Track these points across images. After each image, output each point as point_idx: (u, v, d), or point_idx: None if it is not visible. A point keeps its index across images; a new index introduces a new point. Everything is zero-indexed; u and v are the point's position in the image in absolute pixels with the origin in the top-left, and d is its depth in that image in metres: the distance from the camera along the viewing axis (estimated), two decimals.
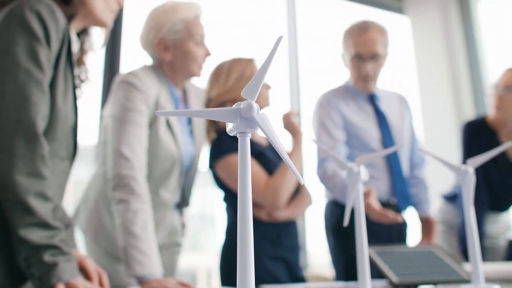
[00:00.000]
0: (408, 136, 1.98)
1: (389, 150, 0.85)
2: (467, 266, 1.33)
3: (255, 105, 0.48)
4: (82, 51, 1.19)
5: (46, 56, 0.97)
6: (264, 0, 3.82)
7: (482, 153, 0.93)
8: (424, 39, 3.71)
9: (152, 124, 1.42)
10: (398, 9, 3.87)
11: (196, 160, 1.58)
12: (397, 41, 1.90)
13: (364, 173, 0.79)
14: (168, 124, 1.46)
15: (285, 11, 3.33)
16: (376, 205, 1.59)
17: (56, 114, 0.99)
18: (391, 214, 1.56)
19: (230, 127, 0.49)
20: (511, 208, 2.23)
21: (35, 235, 0.89)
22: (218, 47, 1.63)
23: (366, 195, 1.60)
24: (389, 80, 2.07)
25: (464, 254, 2.00)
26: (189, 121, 1.57)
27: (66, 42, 1.02)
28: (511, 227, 2.25)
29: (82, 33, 1.20)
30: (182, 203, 1.58)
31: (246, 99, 0.48)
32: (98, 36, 1.23)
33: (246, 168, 0.49)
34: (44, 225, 0.90)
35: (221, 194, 1.66)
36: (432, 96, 3.59)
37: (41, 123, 0.94)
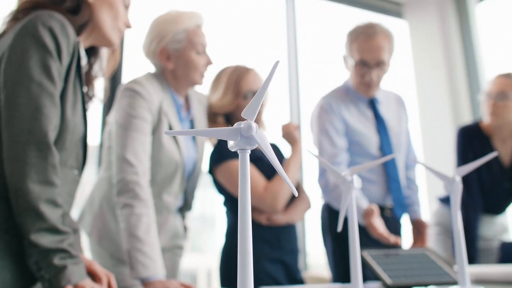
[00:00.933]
0: (405, 139, 1.97)
1: (382, 160, 0.89)
2: None
3: (254, 125, 0.52)
4: (90, 76, 1.21)
5: (58, 70, 1.00)
6: (264, 7, 3.86)
7: (476, 158, 0.97)
8: (422, 43, 3.74)
9: (155, 130, 1.46)
10: (397, 14, 3.89)
11: (198, 165, 1.61)
12: (395, 45, 1.90)
13: (357, 182, 0.84)
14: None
15: (285, 16, 3.37)
16: (379, 225, 1.58)
17: (66, 125, 1.03)
18: (392, 239, 1.56)
19: (231, 144, 0.54)
20: (507, 210, 2.26)
21: (45, 240, 0.92)
22: (219, 55, 1.67)
23: (369, 214, 1.59)
24: (387, 84, 2.08)
25: None
26: (192, 127, 1.61)
27: (75, 56, 1.06)
28: (507, 229, 2.27)
29: (93, 56, 1.23)
30: (185, 207, 1.62)
31: (240, 116, 0.53)
32: (105, 63, 1.26)
33: (246, 181, 0.53)
34: (54, 230, 0.94)
35: (221, 197, 1.70)
36: (430, 100, 3.61)
37: (52, 134, 0.98)
